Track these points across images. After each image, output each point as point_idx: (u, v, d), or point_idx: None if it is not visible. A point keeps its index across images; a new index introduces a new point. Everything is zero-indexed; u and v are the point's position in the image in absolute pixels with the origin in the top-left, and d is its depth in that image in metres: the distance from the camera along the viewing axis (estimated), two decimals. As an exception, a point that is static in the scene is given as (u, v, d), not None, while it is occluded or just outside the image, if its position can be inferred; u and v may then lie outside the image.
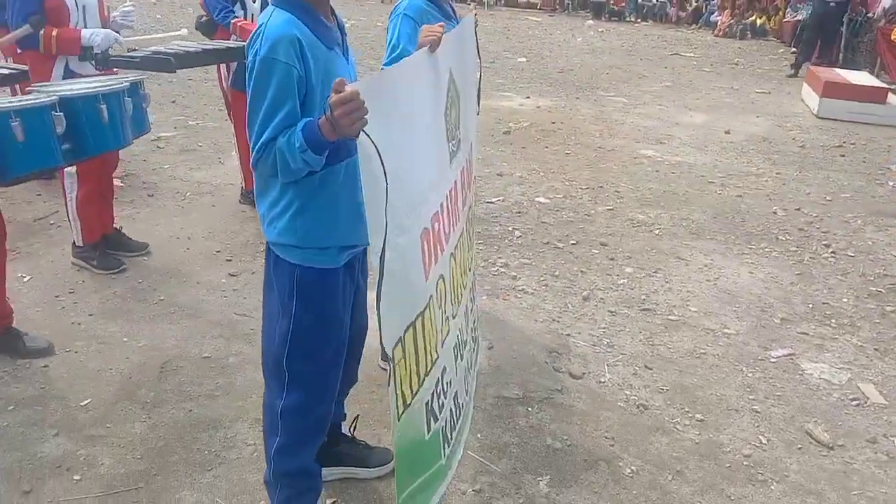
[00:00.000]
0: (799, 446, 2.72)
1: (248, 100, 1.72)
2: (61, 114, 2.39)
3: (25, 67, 3.33)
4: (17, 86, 3.48)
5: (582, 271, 4.12)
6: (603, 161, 6.23)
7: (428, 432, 2.05)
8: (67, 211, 3.75)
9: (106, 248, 3.86)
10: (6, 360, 2.99)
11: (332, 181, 1.78)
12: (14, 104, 2.29)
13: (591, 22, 17.77)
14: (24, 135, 2.26)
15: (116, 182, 4.94)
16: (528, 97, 8.67)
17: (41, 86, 2.81)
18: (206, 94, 7.87)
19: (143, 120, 2.81)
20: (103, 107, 2.51)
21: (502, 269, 4.08)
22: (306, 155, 1.61)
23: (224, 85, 4.58)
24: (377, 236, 1.59)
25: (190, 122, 6.77)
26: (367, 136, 1.52)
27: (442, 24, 2.19)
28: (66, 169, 3.62)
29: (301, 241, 1.84)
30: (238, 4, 4.34)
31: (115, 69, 3.42)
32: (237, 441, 2.60)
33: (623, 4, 18.75)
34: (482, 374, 3.02)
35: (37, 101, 2.36)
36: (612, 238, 4.60)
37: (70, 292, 3.59)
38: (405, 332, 1.83)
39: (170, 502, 2.33)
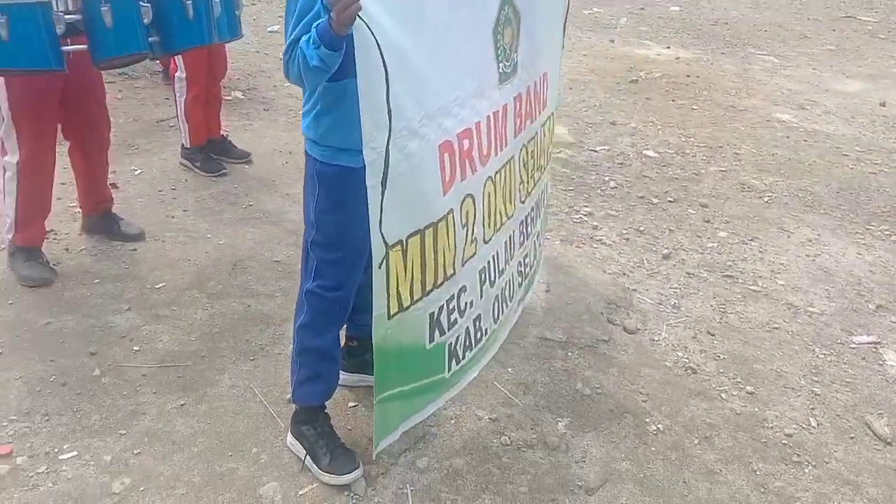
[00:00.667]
0: (852, 436, 2.53)
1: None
2: (149, 5, 2.56)
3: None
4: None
5: (670, 229, 3.95)
6: (731, 121, 5.84)
7: (430, 342, 2.09)
8: (177, 114, 4.03)
9: (211, 153, 4.13)
10: (103, 239, 3.31)
11: (352, 92, 1.80)
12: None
13: (765, -25, 16.39)
14: (112, 21, 2.44)
15: (237, 94, 5.25)
16: (669, 47, 8.21)
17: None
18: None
19: (234, 24, 2.94)
20: (189, 3, 2.65)
21: (585, 218, 3.98)
22: (320, 50, 1.64)
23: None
24: (371, 130, 1.62)
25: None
26: (365, 23, 1.53)
27: None
28: (176, 74, 3.90)
29: (321, 139, 1.92)
30: None
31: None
32: (283, 339, 2.76)
33: (805, -42, 17.11)
34: (529, 313, 3.00)
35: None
36: (714, 200, 4.35)
37: (172, 188, 3.89)
38: (409, 236, 1.87)
39: (209, 381, 2.53)
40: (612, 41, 8.20)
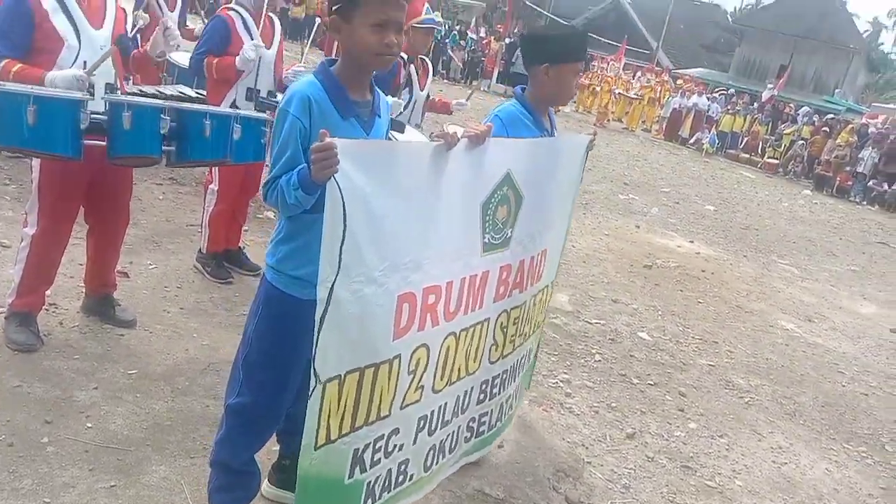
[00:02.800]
0: None
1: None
2: (168, 118, 2.91)
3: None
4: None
5: (642, 411, 3.98)
6: (733, 320, 5.94)
7: (348, 477, 2.16)
8: (202, 220, 4.36)
9: (224, 261, 4.41)
10: (97, 320, 3.52)
11: (318, 226, 2.00)
12: (131, 99, 2.85)
13: (808, 192, 16.95)
14: (131, 125, 2.80)
15: (269, 214, 5.62)
16: (693, 241, 8.49)
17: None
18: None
19: (259, 149, 3.27)
20: (208, 123, 3.00)
21: (560, 384, 4.06)
22: (298, 193, 1.89)
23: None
24: (326, 271, 1.82)
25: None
26: (337, 184, 1.78)
27: (490, 125, 2.39)
28: (210, 185, 4.27)
29: (277, 264, 2.11)
30: None
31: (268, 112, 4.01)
32: (229, 444, 2.85)
33: (850, 183, 17.71)
34: (474, 464, 3.04)
35: (150, 102, 2.92)
36: (694, 391, 4.39)
37: (177, 287, 4.14)
38: (348, 372, 2.01)
39: (144, 470, 2.62)
40: (638, 227, 8.53)
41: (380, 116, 2.22)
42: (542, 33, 2.89)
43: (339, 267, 1.87)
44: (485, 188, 2.37)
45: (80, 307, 3.59)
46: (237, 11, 4.01)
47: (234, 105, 4.05)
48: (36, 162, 3.07)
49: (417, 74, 4.71)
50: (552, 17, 36.95)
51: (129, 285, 3.95)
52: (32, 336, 3.18)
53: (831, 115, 21.79)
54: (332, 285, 1.87)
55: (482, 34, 23.08)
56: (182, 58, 5.83)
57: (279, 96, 4.10)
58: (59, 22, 2.98)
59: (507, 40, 21.38)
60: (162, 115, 2.85)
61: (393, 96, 4.33)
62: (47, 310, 3.44)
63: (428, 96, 4.98)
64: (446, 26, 23.18)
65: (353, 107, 2.10)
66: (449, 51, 21.73)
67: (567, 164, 2.93)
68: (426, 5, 4.41)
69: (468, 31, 23.27)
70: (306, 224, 2.06)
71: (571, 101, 19.97)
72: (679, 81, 23.96)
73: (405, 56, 4.49)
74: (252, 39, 3.99)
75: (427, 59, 4.94)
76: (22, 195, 4.91)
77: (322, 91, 2.02)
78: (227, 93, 4.07)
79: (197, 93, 3.90)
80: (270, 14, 4.19)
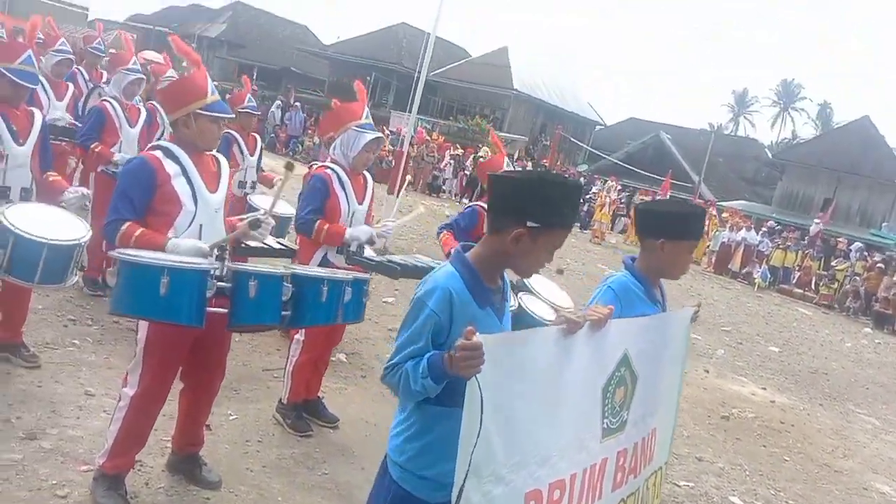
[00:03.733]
0: None
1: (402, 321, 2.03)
2: (290, 285, 2.91)
3: (296, 247, 4.11)
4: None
5: None
6: (825, 481, 5.57)
7: None
8: (285, 369, 4.31)
9: (303, 412, 4.32)
10: (182, 480, 3.42)
11: (450, 422, 1.90)
12: (256, 269, 2.86)
13: (868, 331, 16.43)
14: (255, 293, 2.79)
15: (341, 357, 5.57)
16: (765, 388, 8.17)
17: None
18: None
19: (359, 309, 3.26)
20: (325, 288, 3.00)
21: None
22: (426, 381, 1.83)
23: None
24: (459, 472, 1.72)
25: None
26: (477, 381, 1.72)
27: (611, 307, 2.32)
28: (296, 335, 4.25)
29: (406, 463, 2.03)
30: None
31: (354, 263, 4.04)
32: None
33: (914, 320, 17.15)
34: None
35: (274, 270, 2.93)
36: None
37: (258, 441, 4.04)
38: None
39: None
40: (707, 371, 8.26)
41: (507, 300, 2.19)
42: (662, 209, 2.86)
43: (470, 467, 1.78)
44: (604, 371, 2.29)
45: (166, 465, 3.50)
46: (333, 170, 4.13)
47: (325, 259, 4.09)
48: (143, 322, 3.08)
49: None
50: (592, 150, 38.04)
51: (212, 438, 3.85)
52: (121, 500, 3.08)
53: (889, 253, 21.55)
54: (462, 488, 1.78)
55: (527, 168, 23.67)
56: (261, 201, 6.00)
57: (367, 250, 4.14)
58: (179, 186, 3.08)
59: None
60: (284, 283, 2.85)
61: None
62: (133, 469, 3.35)
63: None
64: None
65: (489, 295, 2.07)
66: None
67: (675, 339, 2.84)
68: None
69: (515, 165, 23.89)
70: (435, 417, 2.00)
71: (623, 232, 20.19)
72: (725, 215, 24.04)
73: None
74: (346, 195, 4.09)
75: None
76: (104, 337, 4.96)
77: (461, 282, 2.00)
78: (317, 249, 4.12)
79: (280, 244, 3.95)
80: (365, 173, 4.31)
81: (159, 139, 4.63)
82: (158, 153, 3.11)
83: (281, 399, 4.33)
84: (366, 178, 4.32)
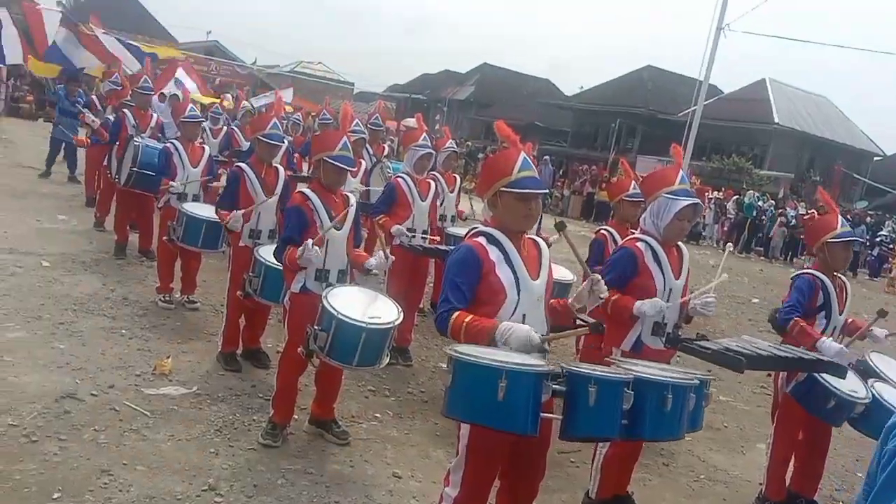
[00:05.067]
0: None
1: None
2: (632, 392, 2.55)
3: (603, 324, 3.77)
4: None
5: None
6: None
7: None
8: (593, 461, 3.94)
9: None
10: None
11: None
12: (597, 372, 2.54)
13: None
14: (595, 400, 2.47)
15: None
16: None
17: (620, 360, 3.10)
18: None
19: (698, 417, 2.84)
20: (669, 396, 2.60)
21: None
22: None
23: (778, 385, 4.35)
24: None
25: (721, 398, 6.64)
26: None
27: None
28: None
29: None
30: None
31: (680, 350, 3.59)
32: None
33: None
34: None
35: (616, 375, 2.58)
36: None
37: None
38: None
39: None
40: None
41: None
42: None
43: None
44: None
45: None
46: (646, 242, 3.74)
47: (639, 342, 3.70)
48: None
49: None
50: (871, 183, 33.64)
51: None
52: None
53: None
54: None
55: (801, 209, 21.39)
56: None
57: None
58: (504, 273, 2.89)
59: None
60: (626, 390, 2.52)
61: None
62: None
63: None
64: (757, 199, 21.95)
65: None
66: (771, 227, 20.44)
67: None
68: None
69: (787, 207, 21.75)
70: None
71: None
72: None
73: None
74: (662, 269, 3.68)
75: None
76: (402, 410, 5.00)
77: None
78: (628, 330, 3.75)
79: (581, 319, 3.60)
80: (679, 244, 3.87)
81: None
82: (482, 239, 2.96)
83: (588, 492, 3.96)
84: (680, 249, 3.87)
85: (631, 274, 3.70)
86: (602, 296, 2.99)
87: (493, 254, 2.91)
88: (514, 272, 2.90)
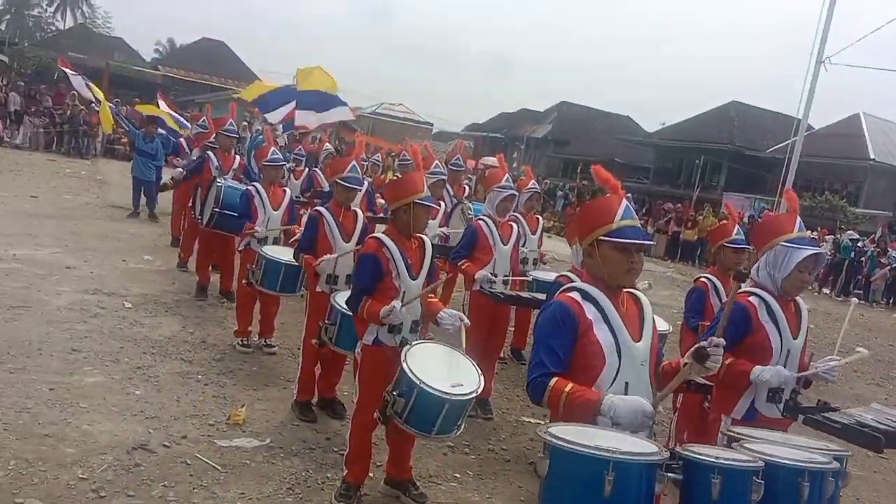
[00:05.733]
0: None
1: None
2: (762, 482, 2.17)
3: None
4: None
5: None
6: None
7: None
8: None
9: None
10: None
11: None
12: (721, 460, 2.18)
13: None
14: (719, 493, 2.11)
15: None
16: None
17: (736, 432, 2.73)
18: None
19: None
20: (806, 484, 2.21)
21: None
22: None
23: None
24: None
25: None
26: None
27: None
28: None
29: None
30: None
31: (804, 422, 3.16)
32: None
33: None
34: None
35: (743, 462, 2.21)
36: None
37: None
38: None
39: None
40: None
41: None
42: None
43: None
44: None
45: None
46: (760, 297, 3.35)
47: (752, 409, 3.30)
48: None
49: None
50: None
51: None
52: None
53: None
54: None
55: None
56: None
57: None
58: (602, 334, 2.57)
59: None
60: (755, 478, 2.14)
61: None
62: None
63: None
64: (856, 241, 20.64)
65: None
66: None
67: None
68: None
69: (890, 247, 20.34)
70: None
71: None
72: None
73: None
74: (779, 329, 3.28)
75: None
76: (483, 469, 4.69)
77: None
78: (740, 396, 3.35)
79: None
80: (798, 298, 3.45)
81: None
82: (576, 295, 2.66)
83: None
84: (798, 304, 3.45)
85: (744, 332, 3.31)
86: (715, 366, 2.61)
87: (590, 312, 2.60)
88: (613, 333, 2.58)
